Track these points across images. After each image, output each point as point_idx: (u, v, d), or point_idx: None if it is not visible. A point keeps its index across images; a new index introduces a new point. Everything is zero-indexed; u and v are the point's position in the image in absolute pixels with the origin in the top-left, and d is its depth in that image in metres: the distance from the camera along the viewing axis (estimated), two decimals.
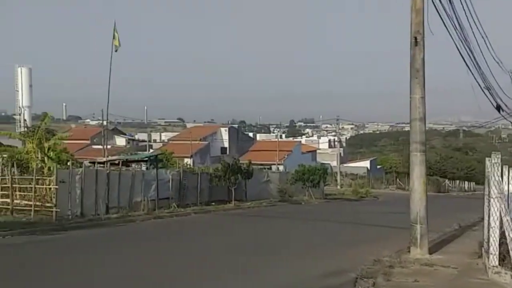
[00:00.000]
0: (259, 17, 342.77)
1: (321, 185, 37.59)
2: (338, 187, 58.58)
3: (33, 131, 26.53)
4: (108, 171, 22.87)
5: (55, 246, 14.21)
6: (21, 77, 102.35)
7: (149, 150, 65.64)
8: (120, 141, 77.26)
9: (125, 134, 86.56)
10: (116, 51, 29.05)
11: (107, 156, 41.69)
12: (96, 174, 22.02)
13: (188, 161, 59.01)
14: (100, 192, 21.81)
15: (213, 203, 28.03)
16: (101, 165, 28.55)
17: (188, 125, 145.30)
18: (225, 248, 13.52)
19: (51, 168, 23.22)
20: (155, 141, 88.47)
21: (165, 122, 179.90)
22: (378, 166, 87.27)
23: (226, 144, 76.93)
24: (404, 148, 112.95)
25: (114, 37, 28.56)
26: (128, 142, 78.56)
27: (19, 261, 11.64)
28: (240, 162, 30.51)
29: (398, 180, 71.20)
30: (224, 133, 77.86)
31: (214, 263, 11.22)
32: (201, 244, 14.46)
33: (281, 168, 54.38)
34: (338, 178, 63.21)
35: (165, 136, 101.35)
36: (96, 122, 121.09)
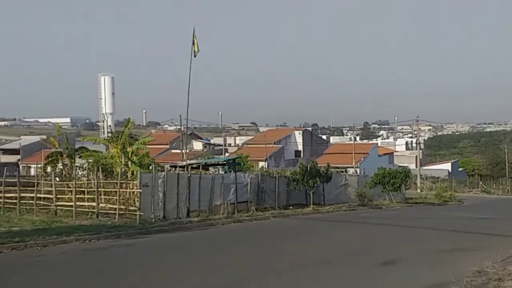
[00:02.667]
0: (330, 17, 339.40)
1: (402, 188, 36.10)
2: (418, 190, 56.28)
3: (117, 137, 27.40)
4: (189, 175, 23.10)
5: (142, 250, 14.36)
6: (104, 85, 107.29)
7: (225, 154, 66.60)
8: (197, 145, 78.98)
9: (202, 139, 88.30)
10: (195, 56, 29.39)
11: (186, 160, 42.55)
12: (178, 178, 22.27)
13: (263, 164, 59.15)
14: (181, 196, 22.05)
15: (291, 207, 27.63)
16: (181, 169, 29.04)
17: (261, 129, 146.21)
18: (316, 255, 13.08)
19: (135, 172, 23.86)
20: (230, 145, 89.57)
21: (239, 126, 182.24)
22: (460, 169, 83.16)
23: (300, 147, 76.52)
24: (487, 150, 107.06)
25: (193, 43, 28.92)
26: (205, 146, 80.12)
27: (106, 266, 11.77)
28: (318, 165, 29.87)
29: (481, 183, 67.55)
30: (298, 136, 77.45)
31: (312, 271, 10.80)
32: (289, 250, 14.10)
33: (356, 171, 53.10)
34: (418, 181, 60.75)
35: (239, 140, 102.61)
36: (174, 127, 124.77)
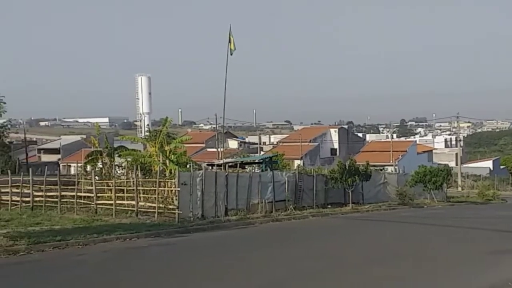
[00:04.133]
0: (361, 16, 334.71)
1: (444, 187, 35.10)
2: (459, 189, 54.73)
3: (155, 135, 27.56)
4: (226, 173, 22.98)
5: (182, 249, 14.28)
6: (141, 85, 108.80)
7: (260, 153, 66.47)
8: (233, 144, 79.16)
9: (237, 137, 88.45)
10: (231, 54, 29.26)
11: (222, 159, 42.54)
12: (216, 177, 22.18)
13: (299, 162, 58.76)
14: (219, 194, 21.96)
15: (329, 206, 27.19)
16: (218, 167, 28.99)
17: (295, 127, 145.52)
18: (359, 255, 12.71)
19: (173, 171, 23.91)
20: (264, 143, 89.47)
21: (273, 124, 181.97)
22: (502, 167, 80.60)
23: (336, 145, 75.74)
24: None
25: (229, 41, 28.79)
26: (240, 145, 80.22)
27: (148, 265, 11.69)
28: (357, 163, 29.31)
29: None
30: (334, 134, 76.69)
31: (357, 272, 10.47)
32: (331, 249, 13.78)
33: (393, 169, 52.08)
34: (459, 179, 59.08)
35: (274, 138, 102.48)
36: (209, 126, 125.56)
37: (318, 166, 51.55)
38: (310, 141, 71.30)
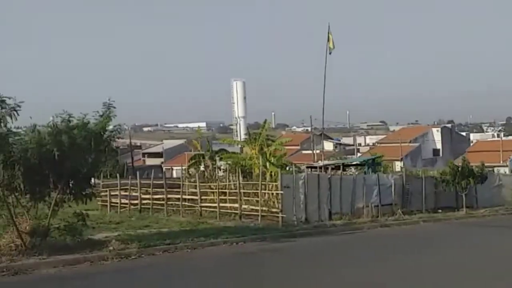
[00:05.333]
0: (461, 13, 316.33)
1: None
2: None
3: (255, 138, 27.46)
4: (329, 176, 22.18)
5: (292, 256, 13.73)
6: (236, 90, 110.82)
7: (357, 154, 64.71)
8: (328, 145, 77.80)
9: (332, 139, 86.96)
10: (330, 53, 28.57)
11: (317, 161, 41.69)
12: (318, 179, 21.48)
13: (399, 164, 56.38)
14: (322, 198, 21.23)
15: (440, 210, 25.35)
16: (317, 169, 28.29)
17: (391, 128, 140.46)
18: (490, 267, 11.40)
19: (273, 174, 23.59)
20: (360, 144, 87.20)
21: (367, 125, 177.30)
22: None
23: (438, 146, 71.95)
24: None
25: (328, 39, 28.09)
26: (336, 147, 78.74)
27: (261, 273, 11.27)
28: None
29: None
30: (436, 134, 72.91)
31: None
32: (456, 260, 12.55)
33: (508, 170, 48.09)
34: None
35: (369, 139, 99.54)
36: (302, 128, 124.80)
37: (420, 167, 48.97)
38: (410, 142, 68.32)
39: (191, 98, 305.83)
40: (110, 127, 14.10)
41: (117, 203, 25.89)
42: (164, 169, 64.38)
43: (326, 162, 31.06)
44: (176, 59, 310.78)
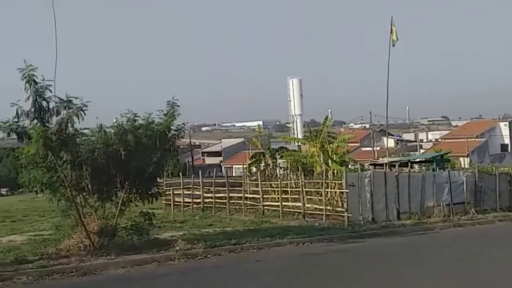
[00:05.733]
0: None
1: None
2: None
3: (316, 135, 26.83)
4: (396, 173, 21.24)
5: (364, 258, 13.05)
6: (293, 88, 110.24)
7: (419, 151, 62.53)
8: (389, 142, 75.79)
9: (393, 135, 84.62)
10: (393, 45, 27.41)
11: (378, 158, 40.44)
12: (385, 177, 20.60)
13: (466, 160, 54.00)
14: (389, 196, 20.33)
15: None
16: (381, 167, 27.26)
17: (453, 123, 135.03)
18: None
19: (335, 171, 22.88)
20: (422, 140, 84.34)
21: (428, 121, 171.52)
22: None
23: (507, 141, 68.54)
24: None
25: (391, 32, 26.98)
26: (397, 143, 76.51)
27: (332, 276, 10.75)
28: None
29: None
30: (504, 128, 69.58)
31: None
32: None
33: None
34: None
35: (431, 135, 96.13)
36: (359, 125, 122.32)
37: (488, 163, 46.54)
38: (477, 137, 65.38)
39: (247, 97, 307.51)
40: (174, 126, 13.99)
41: (180, 202, 26.02)
42: (223, 168, 64.81)
43: (391, 159, 29.91)
44: (232, 59, 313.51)
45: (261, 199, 22.34)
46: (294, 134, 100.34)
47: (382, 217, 19.86)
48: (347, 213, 18.69)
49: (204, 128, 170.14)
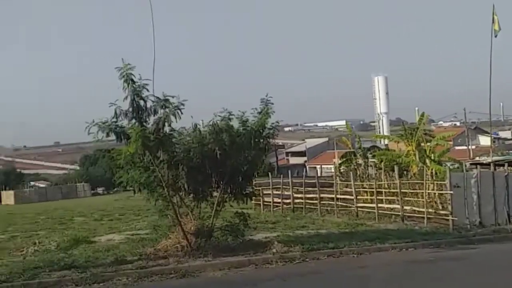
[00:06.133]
0: None
1: None
2: None
3: (411, 133, 25.40)
4: (506, 174, 19.40)
5: (481, 266, 11.72)
6: (378, 85, 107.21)
7: None
8: (484, 140, 71.25)
9: (488, 133, 79.49)
10: (496, 36, 25.39)
11: (474, 157, 37.75)
12: (493, 177, 18.88)
13: None
14: (498, 198, 18.58)
15: None
16: (484, 166, 25.24)
17: None
18: None
19: (433, 171, 21.38)
20: None
21: None
22: None
23: None
24: None
25: (493, 21, 25.01)
26: (494, 141, 71.73)
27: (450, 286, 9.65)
28: None
29: None
30: None
31: None
32: None
33: None
34: None
35: None
36: (449, 123, 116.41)
37: None
38: None
39: (330, 97, 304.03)
40: (268, 125, 13.50)
41: (269, 202, 25.62)
42: (307, 168, 63.99)
43: (494, 158, 27.67)
44: (314, 59, 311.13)
45: (355, 200, 21.36)
46: (379, 133, 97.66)
47: (490, 220, 18.21)
48: (452, 216, 17.26)
49: (286, 129, 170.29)
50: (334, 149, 67.79)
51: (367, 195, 22.42)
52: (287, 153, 78.67)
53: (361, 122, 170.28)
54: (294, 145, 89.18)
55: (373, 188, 21.25)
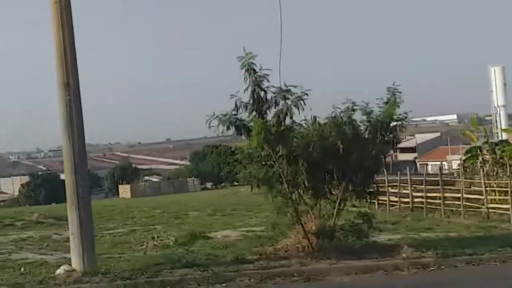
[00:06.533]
0: None
1: None
2: None
3: None
4: None
5: None
6: (495, 77, 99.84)
7: None
8: None
9: None
10: None
11: None
12: None
13: None
14: None
15: None
16: None
17: None
18: None
19: None
20: None
21: None
22: None
23: None
24: None
25: None
26: None
27: None
28: None
29: None
30: None
31: None
32: None
33: None
34: None
35: None
36: None
37: None
38: None
39: (439, 90, 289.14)
40: (396, 116, 12.35)
41: (385, 200, 24.16)
42: (418, 165, 60.86)
43: None
44: (418, 54, 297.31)
45: (485, 200, 19.34)
46: (496, 128, 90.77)
47: None
48: None
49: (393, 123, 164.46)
50: (447, 145, 63.73)
51: (495, 195, 20.33)
52: (395, 149, 75.42)
53: (476, 116, 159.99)
54: (403, 140, 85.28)
55: (504, 188, 19.15)
